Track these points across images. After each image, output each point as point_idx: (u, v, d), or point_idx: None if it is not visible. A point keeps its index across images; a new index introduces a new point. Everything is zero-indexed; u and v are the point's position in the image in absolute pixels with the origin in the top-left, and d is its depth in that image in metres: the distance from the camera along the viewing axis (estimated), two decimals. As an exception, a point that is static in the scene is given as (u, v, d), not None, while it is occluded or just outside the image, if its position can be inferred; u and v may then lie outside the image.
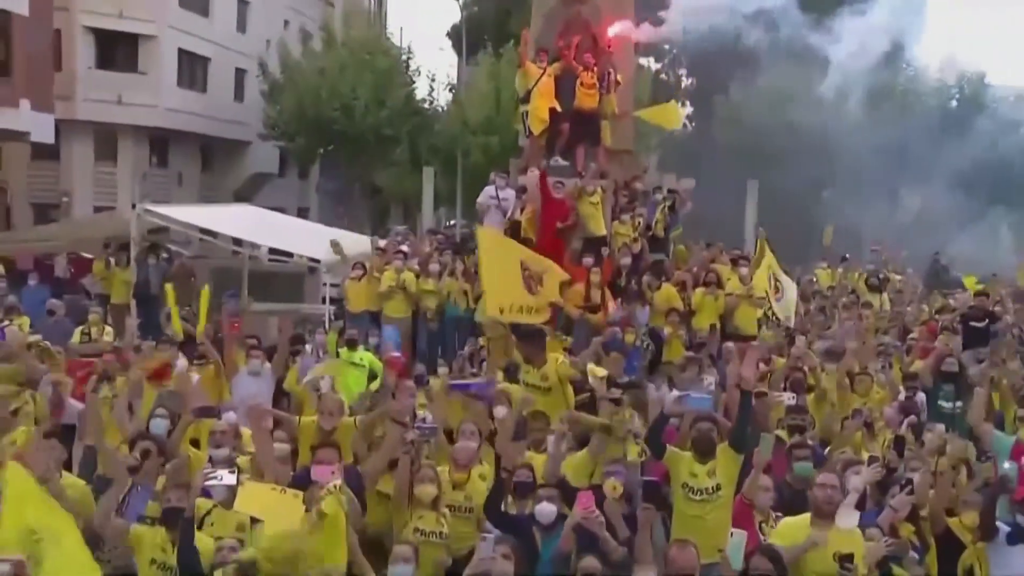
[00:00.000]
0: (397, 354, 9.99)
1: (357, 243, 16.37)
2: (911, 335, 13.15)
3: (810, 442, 7.93)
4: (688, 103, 46.43)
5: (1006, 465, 7.08)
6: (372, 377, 10.44)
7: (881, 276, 16.72)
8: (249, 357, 9.98)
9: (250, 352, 10.03)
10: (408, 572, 5.64)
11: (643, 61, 37.81)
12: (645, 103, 22.33)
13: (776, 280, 12.36)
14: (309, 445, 7.21)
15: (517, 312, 9.99)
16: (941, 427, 8.42)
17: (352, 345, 11.12)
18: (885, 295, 15.47)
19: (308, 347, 11.22)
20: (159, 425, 7.54)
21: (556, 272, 10.53)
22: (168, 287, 11.41)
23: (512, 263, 10.24)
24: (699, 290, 12.67)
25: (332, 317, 15.18)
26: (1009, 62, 69.79)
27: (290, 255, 18.52)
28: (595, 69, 13.43)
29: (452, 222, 17.09)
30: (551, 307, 10.33)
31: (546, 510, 6.25)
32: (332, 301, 16.02)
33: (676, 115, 15.23)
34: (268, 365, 10.10)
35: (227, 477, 6.01)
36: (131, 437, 7.21)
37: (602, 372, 8.84)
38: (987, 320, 12.73)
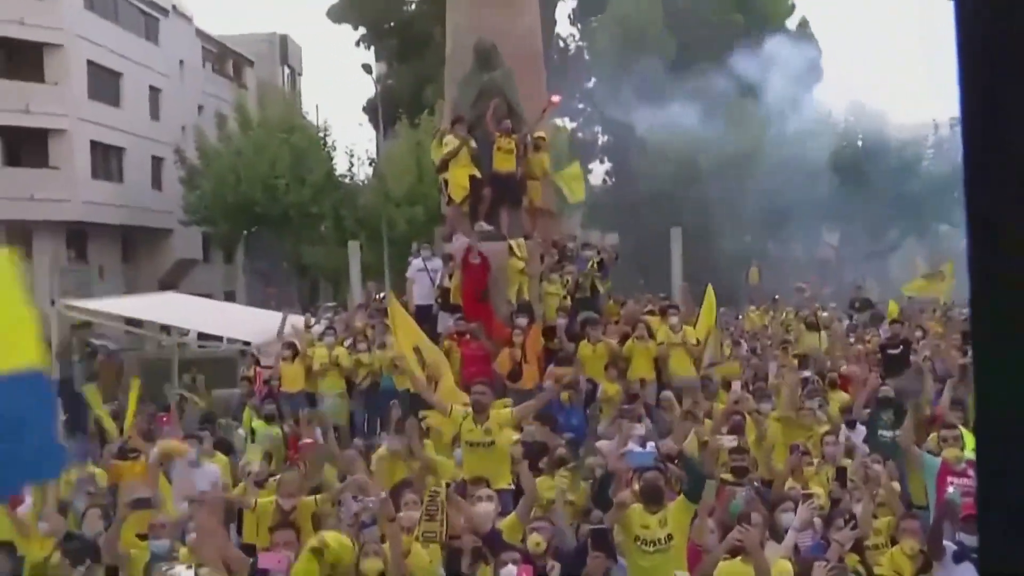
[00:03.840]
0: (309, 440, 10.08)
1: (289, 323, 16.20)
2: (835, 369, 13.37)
3: (754, 483, 8.04)
4: (606, 159, 47.36)
5: (950, 490, 7.25)
6: None
7: (806, 313, 17.08)
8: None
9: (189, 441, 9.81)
10: None
11: (559, 120, 38.55)
12: (563, 162, 22.66)
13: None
14: (267, 527, 7.05)
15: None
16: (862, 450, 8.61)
17: (270, 420, 11.39)
18: (823, 333, 15.77)
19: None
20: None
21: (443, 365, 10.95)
22: (89, 389, 11.14)
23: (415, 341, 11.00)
24: (630, 340, 12.82)
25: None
26: (907, 98, 73.20)
27: (220, 339, 18.22)
28: (512, 134, 13.63)
29: (382, 295, 16.99)
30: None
31: (512, 573, 6.11)
32: (264, 383, 15.78)
33: (580, 184, 15.86)
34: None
35: (184, 573, 5.81)
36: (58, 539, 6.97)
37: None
38: (902, 347, 13.13)
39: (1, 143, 31.86)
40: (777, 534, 6.96)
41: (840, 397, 11.62)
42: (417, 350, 10.91)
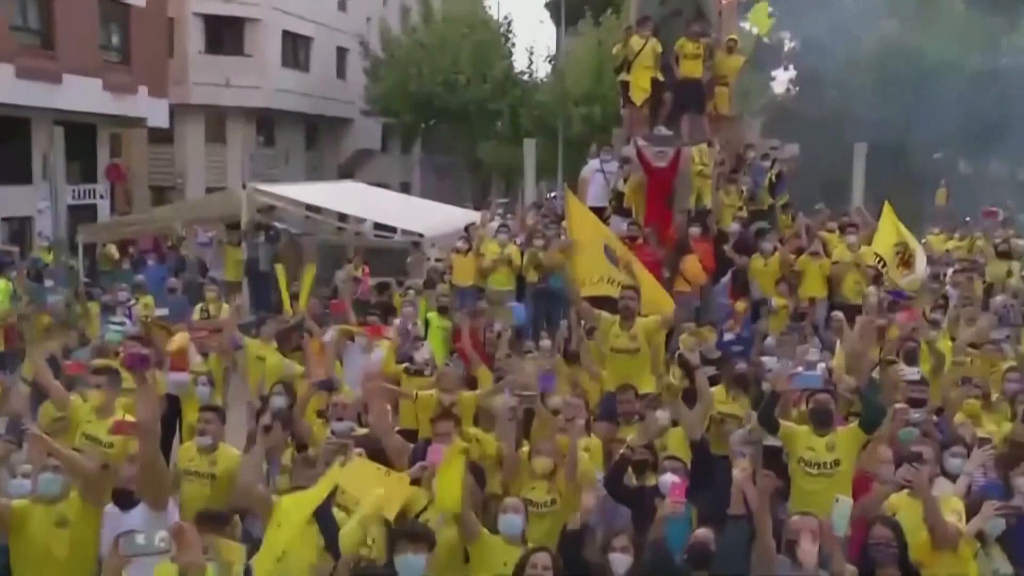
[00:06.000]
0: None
1: (461, 217, 16.54)
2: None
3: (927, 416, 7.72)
4: (791, 66, 45.27)
5: None
6: None
7: (999, 242, 16.02)
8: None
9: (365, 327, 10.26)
10: (518, 522, 5.59)
11: (744, 25, 36.96)
12: (750, 67, 21.87)
13: (909, 254, 11.71)
14: (429, 418, 7.39)
15: (597, 284, 9.97)
16: None
17: (443, 311, 11.68)
18: (1015, 262, 14.76)
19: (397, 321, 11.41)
20: (278, 402, 7.78)
21: (636, 264, 10.18)
22: (279, 268, 11.72)
23: (595, 239, 10.23)
24: (804, 256, 12.42)
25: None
26: None
27: (394, 230, 18.79)
28: (701, 38, 13.25)
29: (553, 194, 17.11)
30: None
31: (669, 481, 6.02)
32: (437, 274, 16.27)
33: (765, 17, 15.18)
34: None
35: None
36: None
37: (691, 344, 8.82)
38: None
39: (204, 30, 33.31)
40: (946, 471, 6.72)
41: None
42: (606, 248, 10.33)
